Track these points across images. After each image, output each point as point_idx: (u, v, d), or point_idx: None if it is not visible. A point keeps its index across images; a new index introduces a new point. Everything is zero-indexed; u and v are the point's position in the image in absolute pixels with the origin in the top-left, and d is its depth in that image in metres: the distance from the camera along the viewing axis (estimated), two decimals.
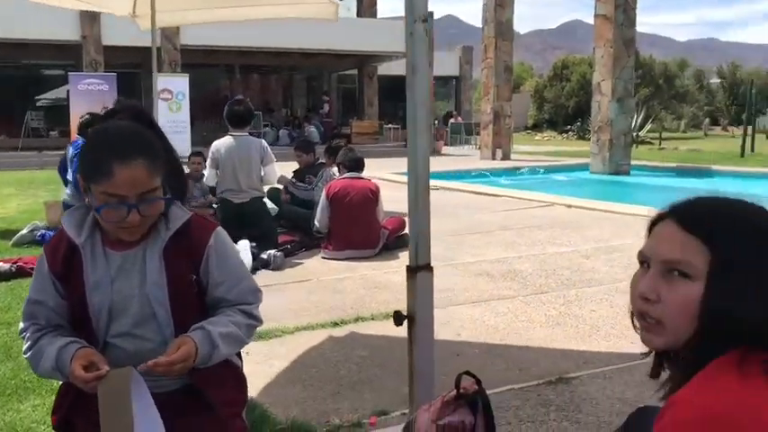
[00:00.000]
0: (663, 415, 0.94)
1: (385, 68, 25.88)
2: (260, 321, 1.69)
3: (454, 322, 3.58)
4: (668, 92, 34.18)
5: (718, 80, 38.89)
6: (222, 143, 5.46)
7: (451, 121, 25.79)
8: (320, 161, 6.79)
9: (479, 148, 17.96)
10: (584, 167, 13.46)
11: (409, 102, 1.83)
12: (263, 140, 5.69)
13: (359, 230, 5.29)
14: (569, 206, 7.99)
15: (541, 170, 13.96)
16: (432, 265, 1.91)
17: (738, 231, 0.99)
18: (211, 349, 1.51)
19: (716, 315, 0.95)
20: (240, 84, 26.48)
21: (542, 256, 5.28)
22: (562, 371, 2.83)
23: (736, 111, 32.06)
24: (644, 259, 1.06)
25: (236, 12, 6.65)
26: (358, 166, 5.60)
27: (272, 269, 4.97)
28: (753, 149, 16.46)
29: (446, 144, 23.87)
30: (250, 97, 25.97)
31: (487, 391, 2.66)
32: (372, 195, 5.43)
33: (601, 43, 12.70)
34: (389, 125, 24.50)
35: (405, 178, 10.17)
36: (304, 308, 3.91)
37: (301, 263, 5.24)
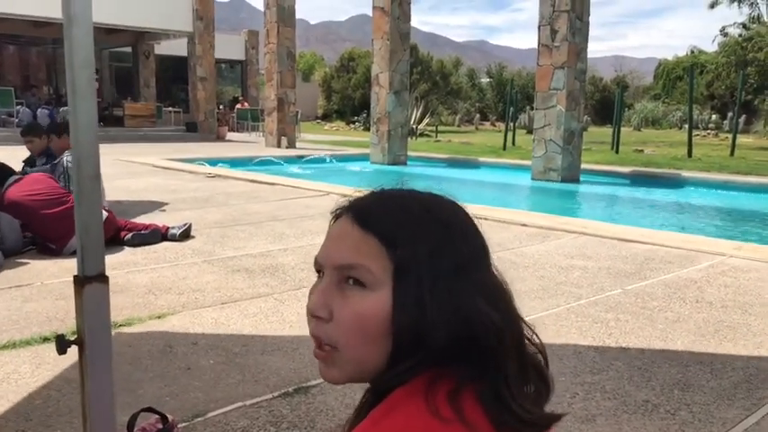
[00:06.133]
0: None
1: (164, 48, 24.19)
2: None
3: (195, 329, 3.18)
4: (444, 88, 36.54)
5: (488, 79, 42.49)
6: None
7: (238, 106, 24.97)
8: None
9: (264, 135, 17.52)
10: (365, 158, 13.69)
11: (67, 60, 1.42)
12: None
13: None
14: (344, 196, 7.91)
15: (326, 159, 13.95)
16: (107, 274, 1.51)
17: (419, 229, 0.78)
18: None
19: (402, 332, 0.74)
20: None
21: (308, 248, 5.07)
22: (303, 378, 2.59)
23: (502, 108, 35.27)
24: (319, 267, 0.82)
25: None
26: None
27: None
28: (514, 143, 18.07)
29: (233, 130, 23.04)
30: (5, 72, 22.69)
31: (215, 412, 2.34)
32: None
33: (379, 35, 12.95)
34: (169, 108, 22.96)
35: (180, 165, 9.27)
36: (12, 321, 3.23)
37: (28, 263, 4.45)
